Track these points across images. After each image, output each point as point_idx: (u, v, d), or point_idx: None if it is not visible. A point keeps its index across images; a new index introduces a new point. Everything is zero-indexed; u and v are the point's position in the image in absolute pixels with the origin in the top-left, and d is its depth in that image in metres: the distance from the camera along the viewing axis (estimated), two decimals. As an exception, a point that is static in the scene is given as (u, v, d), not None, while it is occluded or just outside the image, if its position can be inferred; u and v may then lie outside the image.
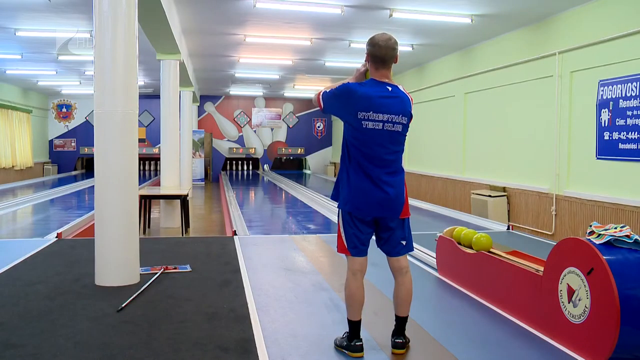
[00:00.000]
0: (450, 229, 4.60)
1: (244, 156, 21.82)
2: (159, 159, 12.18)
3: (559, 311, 2.99)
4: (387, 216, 2.74)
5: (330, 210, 9.29)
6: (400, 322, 2.87)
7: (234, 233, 6.52)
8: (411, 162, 13.39)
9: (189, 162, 13.64)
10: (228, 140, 21.60)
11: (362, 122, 2.63)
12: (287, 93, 19.78)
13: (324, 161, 22.14)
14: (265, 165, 21.88)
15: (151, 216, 8.98)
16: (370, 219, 2.76)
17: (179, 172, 9.79)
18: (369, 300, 3.43)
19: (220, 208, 11.71)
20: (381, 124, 2.65)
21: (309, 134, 22.14)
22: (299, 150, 22.02)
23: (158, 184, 11.09)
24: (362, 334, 2.97)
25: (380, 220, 2.78)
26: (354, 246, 2.77)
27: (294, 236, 6.54)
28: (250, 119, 21.73)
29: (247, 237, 6.52)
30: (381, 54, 2.68)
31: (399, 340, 2.85)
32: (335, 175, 20.55)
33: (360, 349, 2.77)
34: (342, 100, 2.69)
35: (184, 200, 8.26)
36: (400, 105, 2.71)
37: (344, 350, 2.80)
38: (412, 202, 10.87)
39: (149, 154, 20.53)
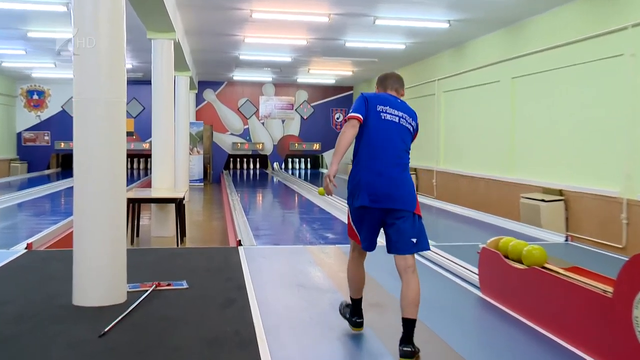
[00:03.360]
0: (495, 240, 4.58)
1: (249, 153, 21.90)
2: (149, 155, 12.21)
3: (633, 342, 2.92)
4: (391, 207, 3.27)
5: (335, 208, 9.29)
6: (408, 326, 3.12)
7: (239, 243, 6.55)
8: (447, 159, 13.30)
9: (186, 160, 13.70)
10: (231, 134, 21.70)
11: (381, 114, 3.39)
12: (301, 79, 19.79)
13: (344, 159, 22.05)
14: (275, 164, 21.93)
15: (140, 223, 9.03)
16: (377, 213, 3.29)
17: (174, 172, 9.82)
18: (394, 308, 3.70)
19: (222, 214, 11.76)
20: (397, 118, 3.40)
21: (327, 127, 22.12)
22: (315, 146, 21.99)
23: (149, 185, 11.14)
24: (373, 340, 3.41)
25: (386, 216, 3.30)
26: (364, 239, 3.40)
27: (309, 247, 6.53)
28: (258, 109, 21.80)
29: (254, 248, 6.54)
30: (386, 75, 3.69)
31: (407, 349, 3.06)
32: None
33: (360, 324, 3.55)
34: (361, 102, 3.45)
35: (179, 204, 8.29)
36: (410, 112, 3.50)
37: (345, 319, 3.61)
38: (448, 207, 10.87)
39: (138, 150, 20.69)
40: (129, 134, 20.26)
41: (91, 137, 4.20)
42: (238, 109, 21.67)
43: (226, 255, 5.99)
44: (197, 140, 18.19)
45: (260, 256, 5.97)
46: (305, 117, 22.13)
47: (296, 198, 13.52)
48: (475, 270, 4.86)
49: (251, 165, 22.20)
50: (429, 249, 3.40)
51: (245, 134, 21.81)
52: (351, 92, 22.16)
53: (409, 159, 3.39)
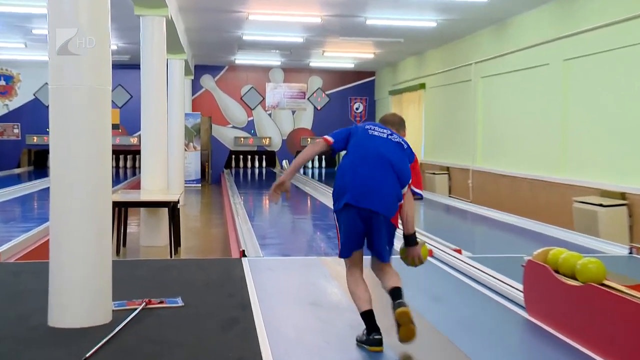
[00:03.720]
0: (544, 251, 4.57)
1: (254, 149, 21.96)
2: (138, 152, 12.19)
3: None
4: (372, 208, 3.86)
5: None
6: (395, 292, 3.78)
7: (242, 254, 6.58)
8: (485, 157, 13.23)
9: (180, 157, 13.76)
10: (233, 126, 21.76)
11: (369, 131, 4.07)
12: (315, 62, 19.81)
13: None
14: (284, 162, 21.94)
15: (128, 230, 9.07)
16: (358, 212, 3.88)
17: (166, 171, 9.86)
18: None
19: (222, 220, 11.80)
20: (385, 134, 4.06)
21: (344, 118, 22.09)
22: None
23: (137, 186, 11.19)
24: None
25: (368, 219, 3.89)
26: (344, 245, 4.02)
27: (324, 258, 6.54)
28: (264, 98, 21.85)
29: (260, 259, 6.56)
30: (385, 119, 4.34)
31: (400, 300, 3.72)
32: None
33: (379, 342, 3.75)
34: (344, 131, 4.17)
35: (172, 208, 8.32)
36: (401, 138, 4.14)
37: (364, 345, 3.79)
38: (486, 212, 10.87)
39: (125, 146, 20.80)
40: (114, 126, 20.27)
41: (70, 131, 4.22)
42: (241, 98, 21.73)
43: (228, 267, 6.00)
44: (193, 134, 18.26)
45: (268, 269, 5.98)
46: (319, 108, 22.15)
47: (309, 202, 13.56)
48: (520, 287, 4.84)
49: (256, 164, 22.28)
50: (387, 261, 3.98)
51: (250, 127, 21.88)
52: (372, 77, 22.15)
53: (398, 187, 3.97)
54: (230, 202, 12.35)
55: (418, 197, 4.17)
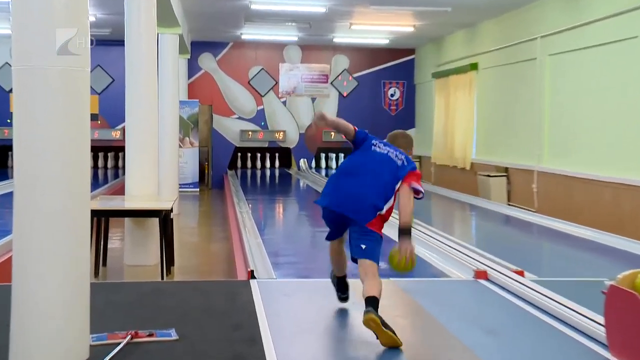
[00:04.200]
0: (631, 274, 4.52)
1: (265, 145, 22.03)
2: (122, 148, 12.19)
3: None
4: (345, 214, 5.05)
5: (417, 238, 9.22)
6: (367, 300, 4.60)
7: (251, 275, 6.57)
8: (554, 155, 13.12)
9: (174, 155, 13.85)
10: (239, 117, 21.83)
11: (372, 146, 5.31)
12: (340, 38, 19.90)
13: (402, 154, 22.13)
14: (302, 161, 21.99)
15: (109, 246, 9.11)
16: (334, 213, 5.16)
17: (157, 172, 9.88)
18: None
19: (226, 233, 11.83)
20: (386, 151, 5.25)
21: (377, 108, 22.12)
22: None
23: (121, 191, 11.22)
24: None
25: (343, 220, 5.14)
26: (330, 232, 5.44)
27: (352, 280, 6.49)
28: (277, 83, 21.92)
29: (273, 281, 6.57)
30: (395, 135, 5.68)
31: (367, 308, 4.52)
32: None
33: (345, 299, 5.57)
34: (368, 135, 5.50)
35: (165, 219, 8.33)
36: (405, 155, 5.30)
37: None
38: (555, 224, 10.86)
39: (105, 141, 20.86)
40: (92, 117, 20.34)
41: (39, 122, 4.22)
42: (249, 83, 21.81)
43: (233, 292, 6.01)
44: (190, 126, 18.35)
45: (282, 294, 5.99)
46: (345, 94, 22.19)
47: None
48: (600, 319, 4.79)
49: (267, 163, 22.35)
50: (375, 261, 4.95)
51: (259, 119, 21.95)
52: (412, 56, 22.15)
53: (383, 201, 5.02)
54: (235, 210, 12.39)
55: (420, 196, 5.12)
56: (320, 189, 16.02)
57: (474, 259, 7.50)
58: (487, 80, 16.38)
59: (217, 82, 21.63)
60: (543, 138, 13.62)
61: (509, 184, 14.75)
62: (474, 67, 16.82)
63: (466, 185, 16.37)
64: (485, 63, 16.40)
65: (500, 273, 6.70)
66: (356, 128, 5.46)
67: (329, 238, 5.48)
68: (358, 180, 5.08)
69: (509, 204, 14.25)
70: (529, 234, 11.01)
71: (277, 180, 20.22)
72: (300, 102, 22.04)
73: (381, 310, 4.49)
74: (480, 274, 6.66)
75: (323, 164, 22.25)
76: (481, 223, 11.95)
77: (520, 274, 6.71)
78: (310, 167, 21.84)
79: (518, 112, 14.66)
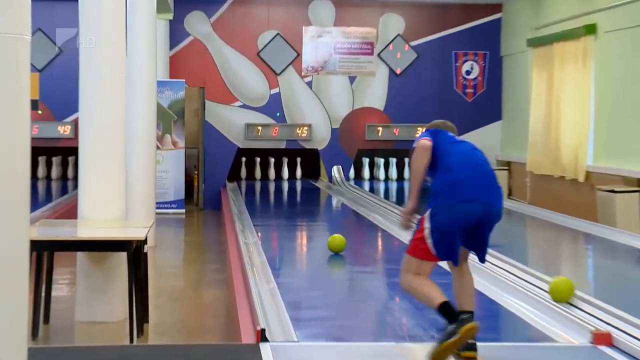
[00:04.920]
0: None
1: (282, 145, 22.14)
2: (73, 151, 12.11)
3: None
4: (497, 208, 6.43)
5: (504, 281, 9.33)
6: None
7: (261, 336, 6.58)
8: (609, 152, 13.12)
9: (149, 161, 14.01)
10: (244, 105, 21.91)
11: (448, 138, 6.61)
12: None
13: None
14: (335, 169, 21.99)
15: (54, 294, 9.16)
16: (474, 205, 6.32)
17: (124, 186, 9.94)
18: None
19: (224, 274, 11.93)
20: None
21: (445, 91, 22.09)
22: (418, 130, 21.88)
23: (71, 213, 11.27)
24: None
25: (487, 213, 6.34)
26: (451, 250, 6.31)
27: (408, 345, 6.58)
28: (299, 55, 22.03)
29: (293, 345, 6.61)
30: (446, 124, 6.86)
31: (471, 341, 5.91)
32: (510, 194, 20.62)
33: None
34: (427, 132, 6.72)
35: (135, 254, 8.37)
36: None
37: (449, 339, 5.76)
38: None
39: (49, 140, 20.93)
40: (31, 105, 20.40)
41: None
42: (258, 55, 21.92)
43: (234, 362, 6.03)
44: (172, 118, 18.47)
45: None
46: (398, 71, 22.28)
47: (380, 241, 13.66)
48: None
49: (285, 173, 22.47)
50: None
51: (273, 107, 22.06)
52: (498, 15, 22.24)
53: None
54: (238, 241, 12.40)
55: None
56: (367, 216, 16.05)
57: (591, 315, 7.47)
58: (610, 50, 16.30)
59: (211, 53, 21.75)
60: (590, 132, 13.64)
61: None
62: (590, 30, 16.74)
63: (579, 205, 16.25)
64: (607, 24, 16.32)
65: (631, 336, 6.69)
66: (426, 139, 6.46)
67: (456, 260, 6.27)
68: (485, 169, 6.38)
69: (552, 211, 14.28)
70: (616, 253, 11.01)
71: (299, 198, 20.25)
72: (332, 82, 22.14)
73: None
74: (601, 338, 6.62)
75: (366, 173, 22.25)
76: (602, 261, 11.87)
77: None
78: (348, 179, 21.85)
79: (565, 101, 14.65)
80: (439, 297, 5.99)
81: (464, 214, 6.08)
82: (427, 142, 6.35)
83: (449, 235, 6.09)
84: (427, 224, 6.12)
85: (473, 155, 6.45)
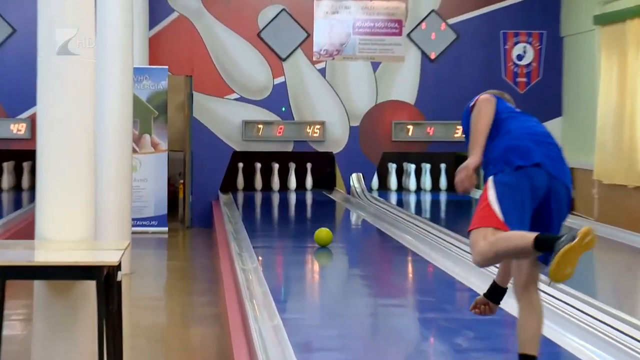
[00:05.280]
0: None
1: (289, 148, 22.31)
2: (29, 155, 11.98)
3: None
4: (562, 178, 6.79)
5: (563, 318, 9.47)
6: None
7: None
8: None
9: (124, 167, 14.03)
10: (241, 98, 21.99)
11: (511, 110, 7.29)
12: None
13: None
14: (355, 177, 22.07)
15: (4, 333, 9.07)
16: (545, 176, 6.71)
17: (93, 198, 9.87)
18: None
19: (217, 308, 12.06)
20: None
21: (492, 80, 21.99)
22: (457, 132, 21.96)
23: (27, 232, 11.25)
24: None
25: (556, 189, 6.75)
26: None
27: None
28: (310, 35, 22.09)
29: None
30: (505, 96, 7.53)
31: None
32: (573, 209, 20.45)
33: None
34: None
35: (107, 283, 8.29)
36: None
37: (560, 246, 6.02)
38: None
39: (0, 141, 21.23)
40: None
41: None
42: (259, 35, 21.97)
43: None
44: (152, 115, 18.48)
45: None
46: (433, 55, 22.42)
47: (410, 267, 13.79)
48: None
49: (292, 181, 22.76)
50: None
51: (277, 100, 22.28)
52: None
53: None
54: (234, 267, 12.50)
55: None
56: (394, 236, 16.09)
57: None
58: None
59: (201, 34, 21.94)
60: None
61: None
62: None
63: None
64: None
65: None
66: (490, 96, 7.18)
67: (526, 229, 6.31)
68: (553, 142, 6.94)
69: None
70: None
71: (309, 213, 20.34)
72: (351, 70, 22.25)
73: None
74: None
75: (393, 183, 22.48)
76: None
77: None
78: (370, 190, 21.95)
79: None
80: (528, 234, 6.09)
81: (532, 178, 6.41)
82: (489, 96, 7.01)
83: (519, 195, 6.38)
84: (491, 191, 6.42)
85: (539, 127, 6.97)
